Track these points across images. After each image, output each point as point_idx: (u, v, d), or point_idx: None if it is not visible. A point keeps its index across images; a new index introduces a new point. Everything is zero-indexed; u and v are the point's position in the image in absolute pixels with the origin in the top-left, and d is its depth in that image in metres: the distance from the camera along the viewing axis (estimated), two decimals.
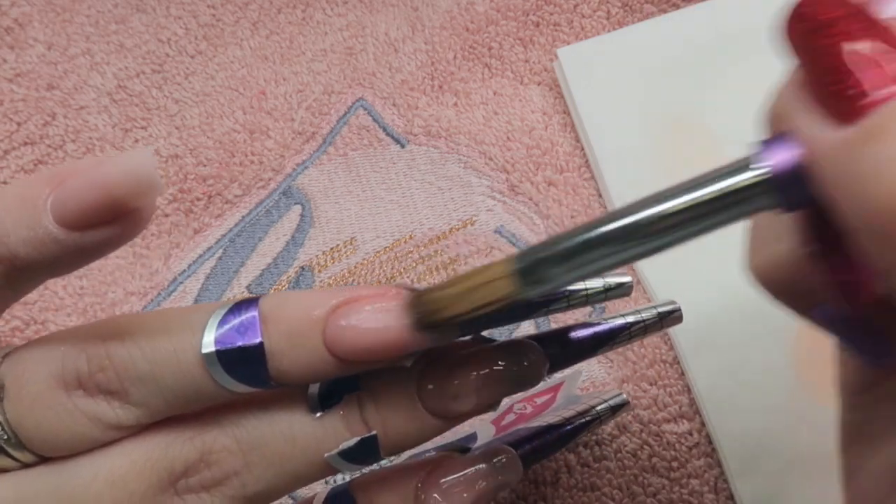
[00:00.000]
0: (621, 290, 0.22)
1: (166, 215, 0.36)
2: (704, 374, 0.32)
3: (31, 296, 0.34)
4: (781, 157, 0.15)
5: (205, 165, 0.36)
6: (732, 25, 0.36)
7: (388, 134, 0.37)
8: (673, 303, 0.25)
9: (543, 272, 0.16)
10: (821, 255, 0.17)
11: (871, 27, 0.14)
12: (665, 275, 0.33)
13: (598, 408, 0.26)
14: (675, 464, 0.31)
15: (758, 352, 0.32)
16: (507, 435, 0.24)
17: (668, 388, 0.32)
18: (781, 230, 0.19)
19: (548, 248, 0.16)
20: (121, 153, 0.20)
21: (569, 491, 0.31)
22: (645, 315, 0.24)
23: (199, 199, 0.36)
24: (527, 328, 0.34)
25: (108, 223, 0.18)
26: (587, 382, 0.32)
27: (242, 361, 0.18)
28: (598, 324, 0.23)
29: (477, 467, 0.21)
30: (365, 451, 0.19)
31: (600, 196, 0.35)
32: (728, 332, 0.32)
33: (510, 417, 0.26)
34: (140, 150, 0.19)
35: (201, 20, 0.39)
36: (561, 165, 0.36)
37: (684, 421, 0.32)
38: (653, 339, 0.33)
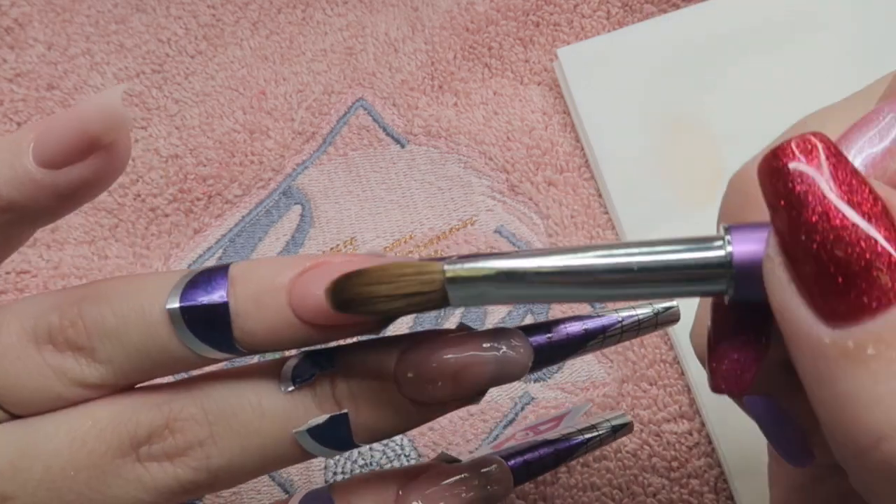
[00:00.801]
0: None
1: (166, 215, 0.36)
2: (704, 374, 0.32)
3: (30, 294, 0.34)
4: (748, 251, 0.14)
5: (205, 165, 0.36)
6: (732, 26, 0.36)
7: (388, 134, 0.37)
8: (671, 300, 0.24)
9: (470, 287, 0.16)
10: (719, 339, 0.16)
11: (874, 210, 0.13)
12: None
13: (599, 426, 0.25)
14: (675, 464, 0.31)
15: None
16: (501, 450, 0.24)
17: (668, 388, 0.32)
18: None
19: (484, 261, 0.16)
20: (94, 94, 0.20)
21: (569, 490, 0.31)
22: (640, 311, 0.23)
23: (199, 199, 0.36)
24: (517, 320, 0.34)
25: (81, 159, 0.18)
26: (587, 381, 0.32)
27: (207, 321, 0.18)
28: (589, 317, 0.22)
29: (462, 476, 0.20)
30: (335, 431, 0.19)
31: (600, 196, 0.35)
32: None
33: (511, 444, 0.25)
34: (111, 89, 0.20)
35: (201, 20, 0.39)
36: (561, 165, 0.36)
37: (684, 421, 0.32)
38: (653, 339, 0.33)
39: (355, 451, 0.31)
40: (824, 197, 0.13)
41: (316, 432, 0.19)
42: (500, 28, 0.38)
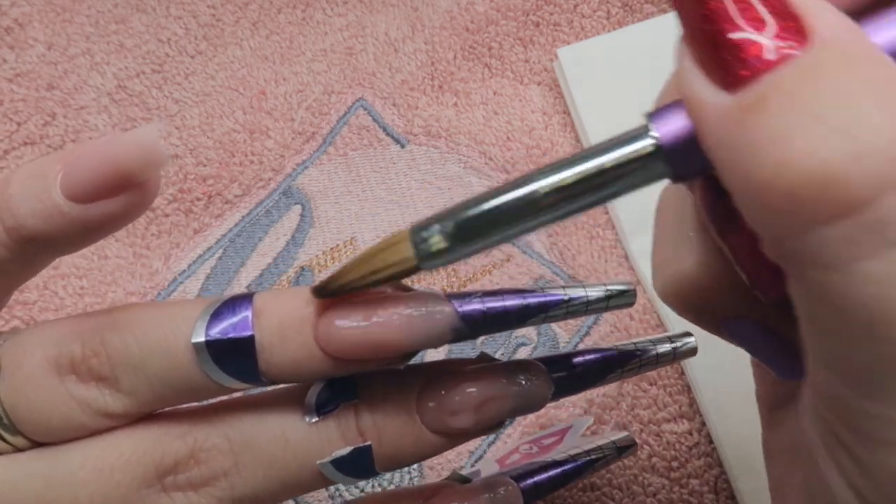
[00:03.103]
0: (624, 299, 0.21)
1: (166, 215, 0.36)
2: (704, 374, 0.32)
3: (31, 296, 0.34)
4: (670, 126, 0.15)
5: (205, 165, 0.36)
6: None
7: (388, 134, 0.37)
8: (689, 334, 0.24)
9: (433, 232, 0.17)
10: (721, 234, 0.17)
11: None
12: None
13: (605, 447, 0.25)
14: (675, 464, 0.31)
15: None
16: (511, 469, 0.24)
17: (668, 388, 0.32)
18: (683, 247, 0.19)
19: (441, 219, 0.17)
20: (130, 130, 0.20)
21: (569, 491, 0.31)
22: (660, 348, 0.23)
23: (199, 199, 0.36)
24: (528, 333, 0.34)
25: (113, 195, 0.18)
26: None
27: (232, 354, 0.18)
28: (608, 350, 0.22)
29: (477, 498, 0.21)
30: (358, 462, 0.19)
31: None
32: None
33: (515, 457, 0.25)
34: (148, 125, 0.20)
35: (201, 20, 0.39)
36: None
37: (684, 421, 0.32)
38: None
39: None
40: None
41: (339, 463, 0.19)
42: (500, 28, 0.38)
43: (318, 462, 0.19)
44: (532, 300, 0.20)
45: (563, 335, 0.33)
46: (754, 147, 0.13)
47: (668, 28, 0.41)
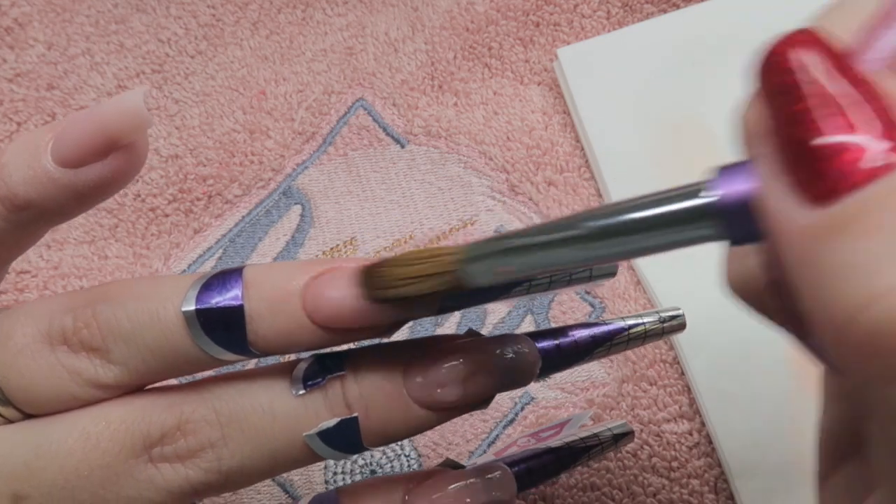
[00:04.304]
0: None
1: (166, 215, 0.36)
2: (704, 374, 0.32)
3: (31, 295, 0.34)
4: (734, 190, 0.14)
5: (205, 165, 0.36)
6: (732, 25, 0.36)
7: (388, 134, 0.37)
8: (677, 309, 0.24)
9: (485, 263, 0.17)
10: (776, 286, 0.17)
11: (855, 89, 0.12)
12: (665, 275, 0.33)
13: (601, 434, 0.25)
14: (675, 464, 0.31)
15: (757, 352, 0.32)
16: (504, 457, 0.24)
17: (668, 388, 0.32)
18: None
19: (494, 244, 0.17)
20: (116, 95, 0.20)
21: (569, 491, 0.31)
22: (646, 319, 0.23)
23: (199, 199, 0.36)
24: (526, 328, 0.34)
25: (101, 158, 0.19)
26: (587, 381, 0.32)
27: (222, 323, 0.18)
28: (597, 324, 0.22)
29: (468, 482, 0.21)
30: (345, 435, 0.19)
31: (600, 196, 0.35)
32: (728, 332, 0.32)
33: (513, 450, 0.25)
34: (134, 90, 0.20)
35: (201, 20, 0.39)
36: (561, 165, 0.36)
37: (684, 421, 0.32)
38: None
39: None
40: (814, 83, 0.13)
41: (326, 436, 0.19)
42: (500, 28, 0.38)
43: (304, 434, 0.19)
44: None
45: None
46: (837, 275, 0.12)
47: (668, 28, 0.41)
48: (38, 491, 0.19)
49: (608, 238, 0.15)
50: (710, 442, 0.31)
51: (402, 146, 0.37)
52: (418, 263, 0.18)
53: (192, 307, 0.18)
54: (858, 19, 0.14)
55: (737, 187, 0.14)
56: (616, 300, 0.34)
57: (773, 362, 0.32)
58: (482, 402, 0.20)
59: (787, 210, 0.12)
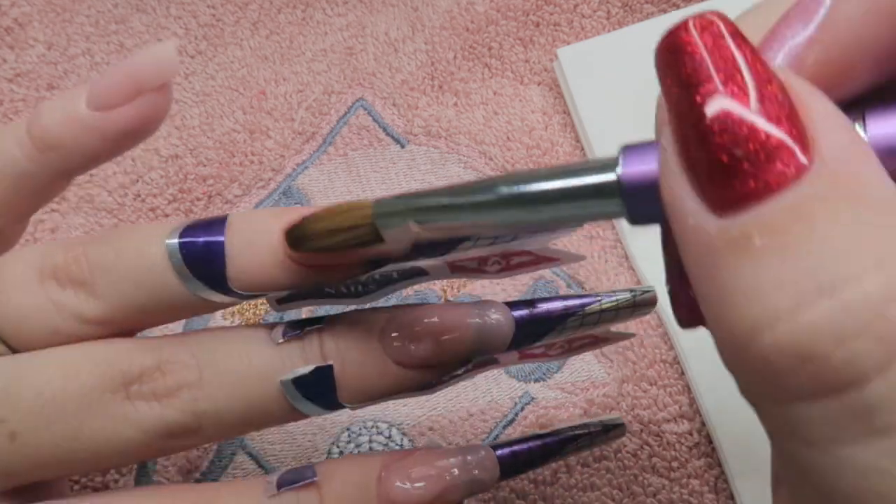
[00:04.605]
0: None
1: (166, 215, 0.36)
2: (704, 374, 0.32)
3: None
4: (639, 170, 0.14)
5: (205, 165, 0.36)
6: None
7: (388, 134, 0.37)
8: (650, 288, 0.24)
9: (395, 219, 0.17)
10: (671, 274, 0.17)
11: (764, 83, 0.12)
12: (665, 274, 0.33)
13: (590, 425, 0.25)
14: (675, 464, 0.31)
15: None
16: (489, 441, 0.23)
17: (668, 388, 0.32)
18: None
19: (406, 200, 0.17)
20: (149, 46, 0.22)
21: (569, 490, 0.31)
22: (618, 294, 0.23)
23: (199, 199, 0.36)
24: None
25: (128, 100, 0.20)
26: (587, 381, 0.32)
27: (202, 257, 0.19)
28: (570, 297, 0.23)
29: (448, 459, 0.21)
30: (320, 384, 0.19)
31: None
32: None
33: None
34: (166, 41, 0.22)
35: (201, 20, 0.39)
36: None
37: (684, 421, 0.32)
38: (653, 339, 0.33)
39: (350, 445, 0.31)
40: (711, 77, 0.12)
41: (301, 384, 0.19)
42: (500, 28, 0.38)
43: (280, 379, 0.19)
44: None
45: None
46: (733, 293, 0.11)
47: (668, 28, 0.41)
48: (16, 416, 0.19)
49: (516, 206, 0.15)
50: (710, 442, 0.31)
51: (402, 146, 0.37)
52: (336, 216, 0.18)
53: (175, 240, 0.19)
54: (770, 22, 0.14)
55: (642, 168, 0.14)
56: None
57: None
58: (458, 363, 0.20)
59: (693, 212, 0.12)
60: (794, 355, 0.11)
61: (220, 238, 0.19)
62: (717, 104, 0.12)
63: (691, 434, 0.31)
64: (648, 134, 0.35)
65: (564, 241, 0.35)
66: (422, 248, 0.19)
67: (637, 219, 0.15)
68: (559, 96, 0.37)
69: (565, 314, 0.22)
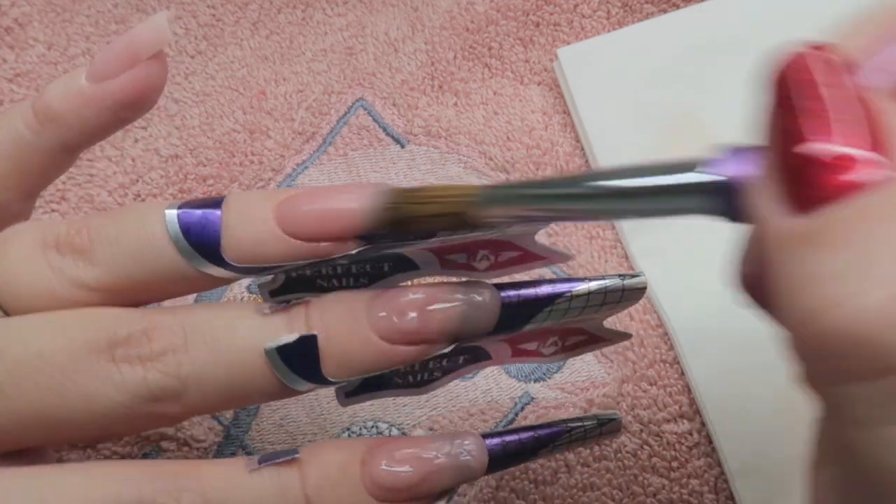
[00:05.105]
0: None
1: None
2: (704, 374, 0.32)
3: None
4: (737, 170, 0.16)
5: (205, 165, 0.36)
6: (732, 26, 0.36)
7: (388, 134, 0.37)
8: (640, 273, 0.24)
9: (499, 208, 0.19)
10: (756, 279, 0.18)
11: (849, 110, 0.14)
12: (665, 273, 0.33)
13: (585, 419, 0.24)
14: (675, 464, 0.31)
15: (758, 352, 0.32)
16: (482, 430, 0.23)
17: (668, 388, 0.32)
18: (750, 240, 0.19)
19: (511, 190, 0.19)
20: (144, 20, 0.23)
21: (568, 490, 0.31)
22: (608, 280, 0.23)
23: None
24: None
25: (126, 69, 0.21)
26: (587, 381, 0.32)
27: (199, 226, 0.20)
28: (560, 280, 0.23)
29: (435, 444, 0.21)
30: (304, 354, 0.19)
31: None
32: (728, 332, 0.32)
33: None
34: (160, 13, 0.23)
35: (201, 20, 0.39)
36: (561, 165, 0.36)
37: (684, 421, 0.32)
38: (653, 339, 0.33)
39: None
40: (815, 101, 0.14)
41: (285, 353, 0.19)
42: (500, 28, 0.38)
43: (264, 347, 0.20)
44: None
45: None
46: (799, 280, 0.13)
47: (668, 28, 0.41)
48: (3, 366, 0.19)
49: (619, 198, 0.17)
50: (710, 442, 0.31)
51: (402, 146, 0.37)
52: (441, 201, 0.19)
53: (174, 210, 0.20)
54: (867, 37, 0.15)
55: (736, 170, 0.16)
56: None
57: (773, 362, 0.32)
58: (443, 339, 0.20)
59: (770, 211, 0.14)
60: (848, 337, 0.12)
61: (217, 211, 0.20)
62: (822, 147, 0.13)
63: (691, 434, 0.31)
64: (648, 134, 0.35)
65: (563, 243, 0.35)
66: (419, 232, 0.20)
67: (724, 214, 0.16)
68: (559, 96, 0.37)
69: (552, 295, 0.22)
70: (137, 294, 0.21)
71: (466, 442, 0.21)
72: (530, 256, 0.23)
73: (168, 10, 0.39)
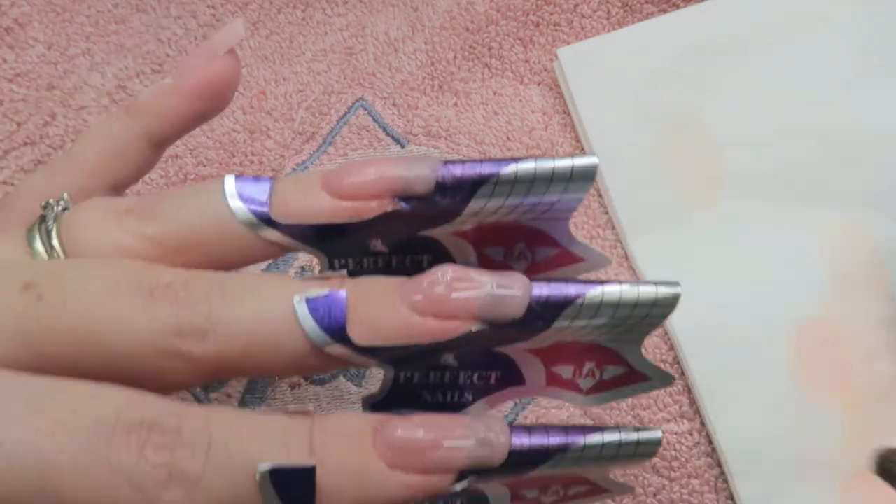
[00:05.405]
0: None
1: None
2: (704, 374, 0.32)
3: None
4: None
5: (205, 165, 0.36)
6: (732, 26, 0.36)
7: (388, 134, 0.37)
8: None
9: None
10: None
11: None
12: (665, 273, 0.33)
13: (625, 429, 0.22)
14: (675, 464, 0.31)
15: (758, 352, 0.32)
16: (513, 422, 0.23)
17: (668, 388, 0.32)
18: None
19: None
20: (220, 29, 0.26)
21: None
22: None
23: None
24: None
25: (205, 63, 0.24)
26: None
27: (252, 185, 0.21)
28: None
29: (456, 419, 0.20)
30: (332, 309, 0.20)
31: (600, 196, 0.35)
32: (728, 332, 0.32)
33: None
34: (237, 20, 0.26)
35: (201, 20, 0.39)
36: None
37: (684, 421, 0.32)
38: (653, 339, 0.33)
39: None
40: None
41: (313, 305, 0.20)
42: (500, 28, 0.38)
43: (293, 298, 0.20)
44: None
45: None
46: None
47: (668, 28, 0.41)
48: (48, 281, 0.20)
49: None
50: (710, 442, 0.31)
51: (402, 146, 0.37)
52: None
53: (232, 177, 0.21)
54: None
55: None
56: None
57: (773, 362, 0.32)
58: (468, 319, 0.20)
59: None
60: None
61: (269, 181, 0.22)
62: None
63: (691, 434, 0.31)
64: (648, 133, 0.35)
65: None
66: (446, 190, 0.21)
67: None
68: (559, 96, 0.37)
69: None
70: (191, 250, 0.22)
71: (489, 420, 0.20)
72: (568, 257, 0.23)
73: (169, 13, 0.39)
